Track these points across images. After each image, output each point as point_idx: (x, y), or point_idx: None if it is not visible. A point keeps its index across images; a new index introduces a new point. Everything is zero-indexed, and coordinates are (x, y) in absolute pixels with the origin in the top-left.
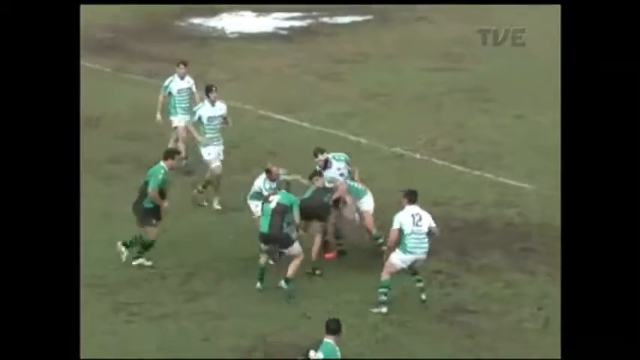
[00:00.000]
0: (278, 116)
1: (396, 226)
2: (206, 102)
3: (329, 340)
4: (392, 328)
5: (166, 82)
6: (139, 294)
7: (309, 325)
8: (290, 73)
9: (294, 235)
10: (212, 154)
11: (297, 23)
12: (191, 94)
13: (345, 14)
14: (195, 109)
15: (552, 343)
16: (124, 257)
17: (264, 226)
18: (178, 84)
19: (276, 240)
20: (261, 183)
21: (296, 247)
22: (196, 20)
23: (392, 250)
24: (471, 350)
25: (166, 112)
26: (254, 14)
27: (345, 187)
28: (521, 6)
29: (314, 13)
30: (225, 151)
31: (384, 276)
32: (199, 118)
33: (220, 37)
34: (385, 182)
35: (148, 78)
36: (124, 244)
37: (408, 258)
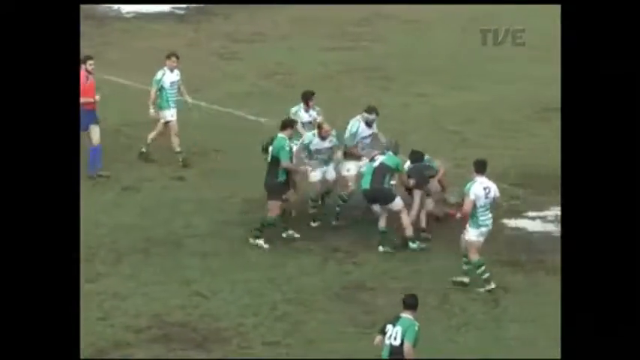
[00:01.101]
0: None
1: (471, 197)
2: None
3: (407, 315)
4: (290, 306)
5: (158, 76)
6: None
7: (206, 304)
8: (187, 53)
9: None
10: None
11: (193, 3)
12: (179, 86)
13: None
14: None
15: (448, 317)
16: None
17: (365, 184)
18: (170, 77)
19: (377, 196)
20: (310, 138)
21: (398, 202)
22: None
23: (464, 218)
24: (369, 327)
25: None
26: None
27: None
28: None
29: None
30: (117, 131)
31: (473, 257)
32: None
33: (117, 17)
34: None
35: None
36: (256, 237)
37: (484, 231)
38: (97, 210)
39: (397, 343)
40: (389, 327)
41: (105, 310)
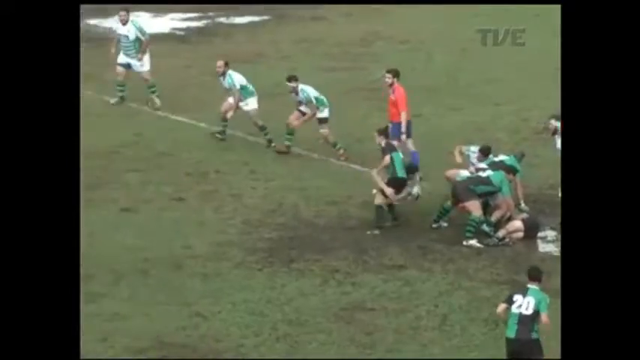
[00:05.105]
0: (174, 117)
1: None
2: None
3: (534, 286)
4: (291, 327)
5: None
6: None
7: (206, 325)
8: (186, 73)
9: None
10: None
11: (193, 24)
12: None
13: (242, 14)
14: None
15: (448, 338)
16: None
17: None
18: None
19: None
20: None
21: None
22: (92, 21)
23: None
24: (369, 347)
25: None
26: (150, 15)
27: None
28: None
29: (210, 14)
30: (114, 152)
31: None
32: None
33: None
34: (284, 180)
35: None
36: (469, 238)
37: None
38: (96, 230)
39: (528, 312)
40: (517, 297)
41: (105, 331)
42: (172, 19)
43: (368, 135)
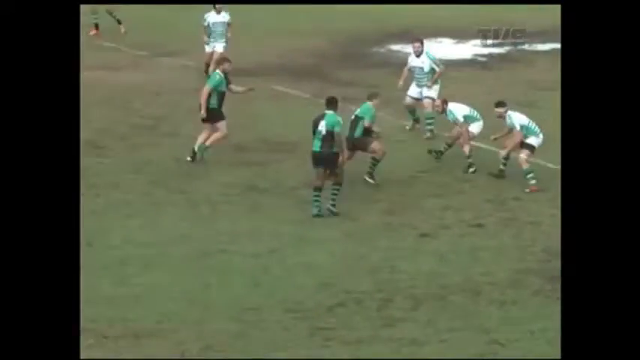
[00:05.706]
0: (474, 143)
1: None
2: None
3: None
4: None
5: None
6: (335, 319)
7: (504, 353)
8: (487, 100)
9: None
10: None
11: (495, 50)
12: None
13: (545, 42)
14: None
15: None
16: None
17: None
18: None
19: None
20: None
21: None
22: (395, 47)
23: None
24: None
25: None
26: (453, 41)
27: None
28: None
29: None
30: (413, 177)
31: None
32: None
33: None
34: None
35: (346, 103)
36: None
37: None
38: (396, 256)
39: None
40: None
41: (403, 355)
42: (474, 45)
43: None
